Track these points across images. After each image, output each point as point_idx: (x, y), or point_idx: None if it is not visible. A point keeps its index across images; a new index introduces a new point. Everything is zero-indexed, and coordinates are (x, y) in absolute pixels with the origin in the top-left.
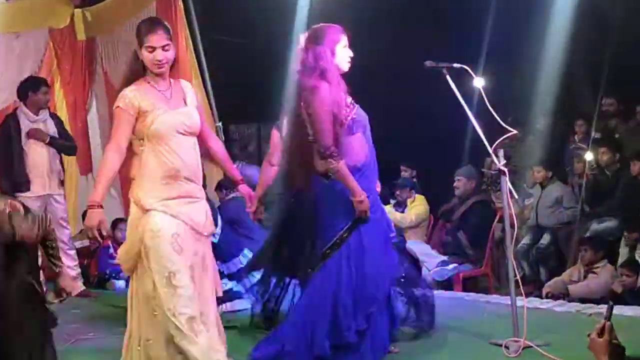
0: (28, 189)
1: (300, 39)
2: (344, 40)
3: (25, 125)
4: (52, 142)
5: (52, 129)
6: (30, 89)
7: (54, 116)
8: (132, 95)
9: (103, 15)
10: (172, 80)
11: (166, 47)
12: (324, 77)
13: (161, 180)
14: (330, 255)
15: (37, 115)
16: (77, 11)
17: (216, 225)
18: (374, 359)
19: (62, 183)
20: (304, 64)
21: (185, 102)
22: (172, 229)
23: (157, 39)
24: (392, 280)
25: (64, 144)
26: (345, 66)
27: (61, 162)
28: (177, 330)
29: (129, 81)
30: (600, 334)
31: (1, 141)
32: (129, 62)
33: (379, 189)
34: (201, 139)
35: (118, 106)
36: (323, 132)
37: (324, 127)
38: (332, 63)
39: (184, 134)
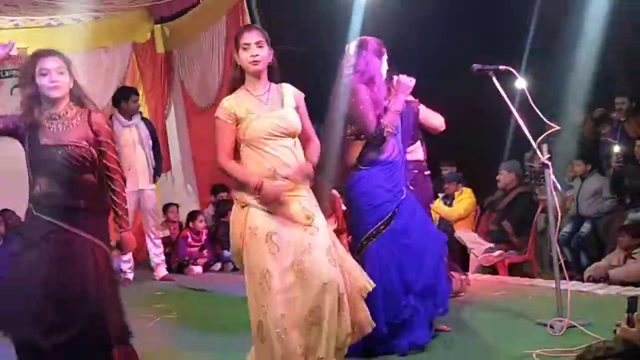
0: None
1: (350, 47)
2: (385, 53)
3: (119, 129)
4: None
5: (144, 132)
6: (123, 97)
7: (146, 120)
8: (229, 105)
9: (179, 30)
10: (271, 84)
11: (260, 44)
12: (372, 81)
13: None
14: (374, 239)
15: (130, 120)
16: (157, 27)
17: None
18: (426, 337)
19: (153, 179)
20: (355, 68)
21: (282, 105)
22: (269, 227)
23: (251, 35)
24: (436, 261)
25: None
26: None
27: (156, 159)
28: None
29: (230, 90)
30: (630, 324)
31: None
32: (231, 72)
33: None
34: (302, 139)
35: (217, 117)
36: (368, 121)
37: (369, 118)
38: (379, 70)
39: (279, 136)
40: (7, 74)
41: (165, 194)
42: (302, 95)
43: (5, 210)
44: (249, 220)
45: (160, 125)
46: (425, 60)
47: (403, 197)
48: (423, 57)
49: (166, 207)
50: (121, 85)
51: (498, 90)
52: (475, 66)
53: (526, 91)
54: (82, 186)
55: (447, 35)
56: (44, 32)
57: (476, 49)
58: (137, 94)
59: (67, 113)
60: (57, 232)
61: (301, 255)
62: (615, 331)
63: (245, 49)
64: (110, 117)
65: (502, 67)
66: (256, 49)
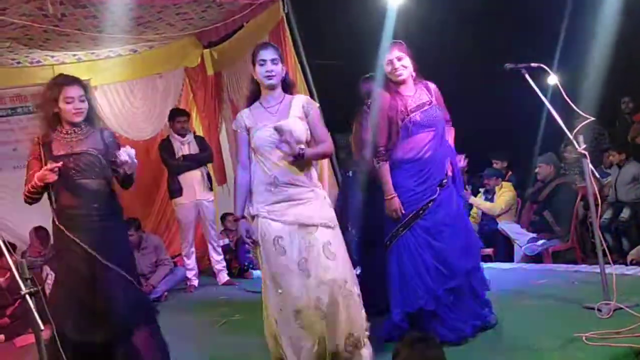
0: (181, 195)
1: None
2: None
3: (177, 145)
4: (186, 159)
5: (194, 149)
6: (169, 118)
7: (197, 137)
8: (241, 117)
9: (226, 53)
10: (286, 96)
11: (274, 61)
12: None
13: (265, 187)
14: (399, 237)
15: (184, 137)
16: (206, 51)
17: None
18: (468, 331)
19: (210, 189)
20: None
21: (287, 115)
22: (275, 232)
23: (267, 53)
24: (472, 256)
25: (197, 156)
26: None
27: (209, 174)
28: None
29: (248, 101)
30: None
31: (162, 159)
32: (249, 86)
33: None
34: (317, 143)
35: (234, 129)
36: (378, 133)
37: (379, 129)
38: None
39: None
40: (24, 110)
41: (222, 205)
42: (314, 104)
43: (40, 227)
44: (258, 227)
45: (214, 140)
46: (460, 61)
47: (435, 196)
48: (456, 59)
49: (224, 217)
50: (172, 108)
51: (528, 87)
52: (508, 65)
53: (559, 86)
54: (94, 192)
55: (479, 36)
56: (103, 63)
57: (508, 48)
58: (183, 115)
59: (81, 129)
60: (83, 255)
61: (304, 253)
62: None
63: (261, 64)
64: (168, 136)
65: (534, 65)
66: (271, 65)
